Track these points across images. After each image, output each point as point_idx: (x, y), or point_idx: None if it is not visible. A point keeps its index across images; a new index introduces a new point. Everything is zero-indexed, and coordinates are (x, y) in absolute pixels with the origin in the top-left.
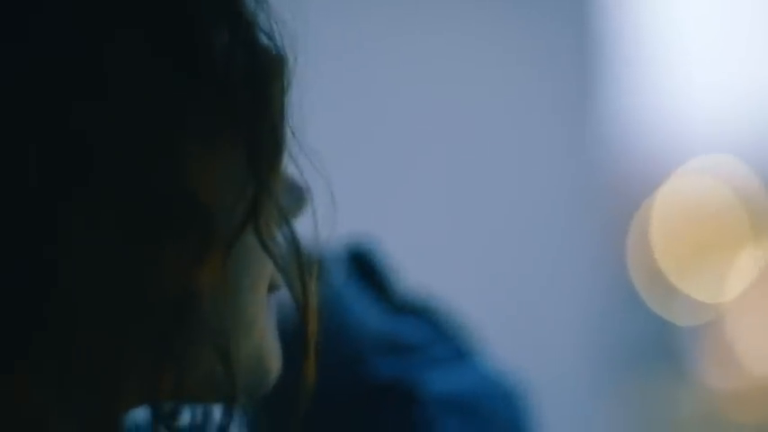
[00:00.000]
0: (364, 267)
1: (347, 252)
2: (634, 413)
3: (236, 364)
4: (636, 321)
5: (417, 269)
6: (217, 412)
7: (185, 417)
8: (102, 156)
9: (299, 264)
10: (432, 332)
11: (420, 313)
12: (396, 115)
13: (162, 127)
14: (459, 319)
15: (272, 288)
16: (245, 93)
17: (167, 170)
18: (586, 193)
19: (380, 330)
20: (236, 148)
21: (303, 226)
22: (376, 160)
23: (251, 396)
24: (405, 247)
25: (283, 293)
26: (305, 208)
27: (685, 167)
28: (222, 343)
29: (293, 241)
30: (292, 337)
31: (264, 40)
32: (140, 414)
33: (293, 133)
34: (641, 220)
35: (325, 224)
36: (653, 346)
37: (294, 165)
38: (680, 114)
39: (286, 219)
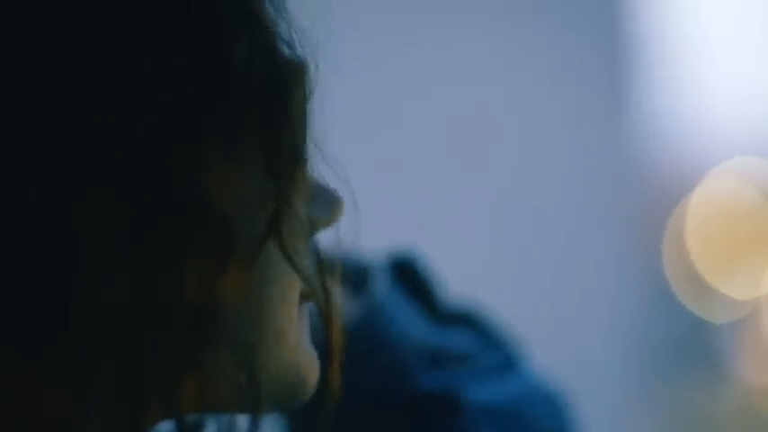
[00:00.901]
0: (409, 277)
1: (391, 261)
2: (671, 411)
3: (266, 375)
4: (672, 320)
5: (448, 268)
6: (243, 423)
7: (211, 429)
8: (118, 161)
9: (321, 273)
10: (477, 341)
11: (466, 322)
12: (432, 117)
13: (179, 133)
14: (504, 327)
15: (304, 298)
16: (264, 100)
17: (185, 178)
18: (622, 194)
19: (424, 341)
20: (256, 157)
21: (340, 234)
22: (409, 164)
23: (288, 407)
24: (437, 247)
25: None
26: (339, 216)
27: (719, 169)
28: (247, 353)
29: (315, 250)
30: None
31: (285, 47)
32: (165, 428)
33: (316, 143)
34: (676, 220)
35: (352, 231)
36: (689, 343)
37: (321, 173)
38: (714, 117)
39: (316, 228)
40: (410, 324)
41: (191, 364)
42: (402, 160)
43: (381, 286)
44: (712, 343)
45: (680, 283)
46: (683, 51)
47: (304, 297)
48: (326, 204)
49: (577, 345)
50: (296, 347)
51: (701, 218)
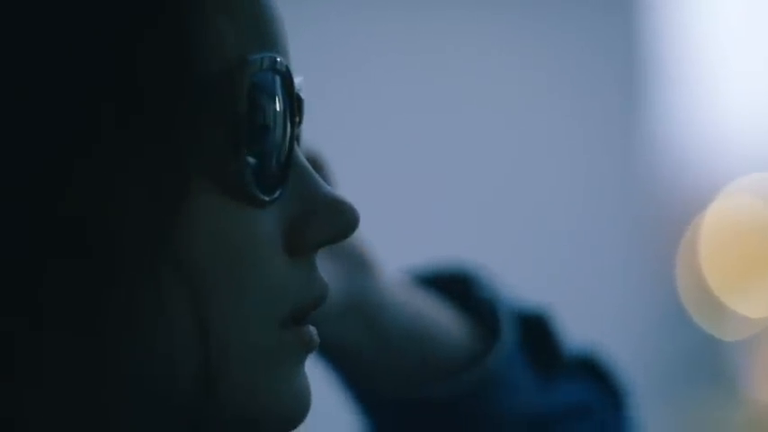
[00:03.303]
0: (535, 333)
1: (523, 314)
2: (682, 428)
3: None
4: (683, 337)
5: None
6: None
7: None
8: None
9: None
10: (590, 393)
11: (585, 370)
12: (442, 124)
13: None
14: (620, 372)
15: (294, 319)
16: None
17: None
18: (635, 210)
19: (530, 410)
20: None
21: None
22: (417, 173)
23: None
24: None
25: None
26: (347, 230)
27: (734, 185)
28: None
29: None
30: None
31: (203, 58)
32: None
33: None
34: (690, 236)
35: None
36: (701, 361)
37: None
38: (729, 132)
39: (312, 242)
40: (523, 393)
41: None
42: (409, 169)
43: (508, 346)
44: (724, 360)
45: (692, 300)
46: (700, 67)
47: (293, 318)
48: (330, 217)
49: None
50: (253, 379)
51: (714, 235)
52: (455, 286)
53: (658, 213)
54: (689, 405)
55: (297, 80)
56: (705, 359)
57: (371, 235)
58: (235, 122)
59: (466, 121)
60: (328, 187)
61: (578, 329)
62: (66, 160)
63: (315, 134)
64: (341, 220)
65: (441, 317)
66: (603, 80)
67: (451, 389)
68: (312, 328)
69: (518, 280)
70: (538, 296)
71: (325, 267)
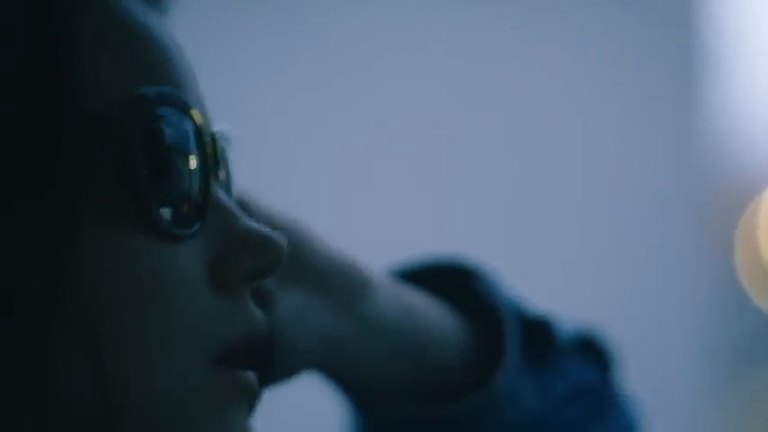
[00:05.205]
0: (536, 337)
1: (525, 318)
2: (746, 409)
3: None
4: (744, 321)
5: (520, 273)
6: None
7: None
8: None
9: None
10: (590, 377)
11: (585, 351)
12: (496, 117)
13: None
14: (616, 351)
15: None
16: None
17: None
18: (693, 193)
19: (533, 413)
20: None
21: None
22: (472, 170)
23: None
24: (509, 253)
25: None
26: (269, 262)
27: None
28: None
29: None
30: None
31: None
32: None
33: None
34: (748, 219)
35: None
36: (762, 344)
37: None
38: None
39: (238, 276)
40: (525, 400)
41: None
42: (464, 164)
43: (514, 363)
44: None
45: (751, 280)
46: (757, 54)
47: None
48: (253, 249)
49: (649, 349)
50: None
51: None
52: (455, 281)
53: (717, 196)
54: (749, 386)
55: (221, 125)
56: (765, 340)
57: (412, 235)
58: (129, 161)
59: (525, 107)
60: (252, 222)
61: (639, 314)
62: None
63: (334, 132)
64: (264, 252)
65: (442, 326)
66: (661, 61)
67: (455, 410)
68: (250, 374)
69: (573, 265)
70: (597, 284)
71: (309, 297)
